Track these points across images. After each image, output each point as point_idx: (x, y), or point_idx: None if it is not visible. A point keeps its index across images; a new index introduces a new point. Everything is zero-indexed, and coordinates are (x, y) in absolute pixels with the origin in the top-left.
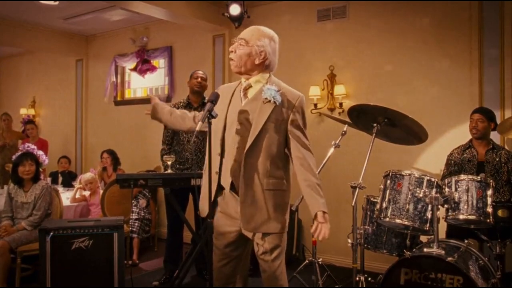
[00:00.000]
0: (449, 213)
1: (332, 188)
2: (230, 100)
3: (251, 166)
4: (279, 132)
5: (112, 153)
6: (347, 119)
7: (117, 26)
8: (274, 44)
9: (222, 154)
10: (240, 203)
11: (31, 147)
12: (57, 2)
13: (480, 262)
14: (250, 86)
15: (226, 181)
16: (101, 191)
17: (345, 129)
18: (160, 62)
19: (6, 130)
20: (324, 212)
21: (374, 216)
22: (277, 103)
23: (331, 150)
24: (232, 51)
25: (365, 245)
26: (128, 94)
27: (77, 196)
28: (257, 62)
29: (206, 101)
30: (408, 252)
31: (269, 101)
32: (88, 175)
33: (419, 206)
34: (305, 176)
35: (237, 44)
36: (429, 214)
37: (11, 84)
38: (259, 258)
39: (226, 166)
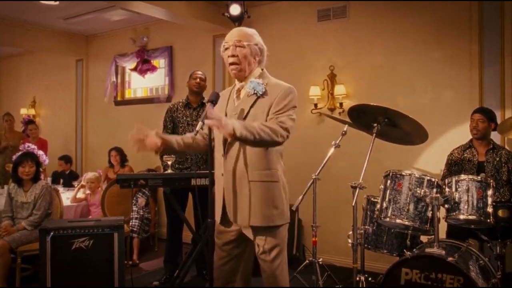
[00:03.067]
0: (450, 213)
1: (332, 188)
2: (227, 104)
3: (234, 159)
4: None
5: (119, 151)
6: (347, 119)
7: (117, 26)
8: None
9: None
10: (225, 196)
11: (31, 147)
12: (57, 2)
13: (481, 262)
14: (243, 87)
15: None
16: (102, 191)
17: (345, 129)
18: (160, 62)
19: (8, 131)
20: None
21: (375, 216)
22: (258, 94)
23: (331, 150)
24: (234, 55)
25: (366, 245)
26: (128, 94)
27: (79, 194)
28: (256, 59)
29: (205, 101)
30: (409, 252)
31: (252, 94)
32: (91, 174)
33: (420, 206)
34: None
35: (235, 47)
36: (429, 214)
37: (11, 84)
38: (259, 258)
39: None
